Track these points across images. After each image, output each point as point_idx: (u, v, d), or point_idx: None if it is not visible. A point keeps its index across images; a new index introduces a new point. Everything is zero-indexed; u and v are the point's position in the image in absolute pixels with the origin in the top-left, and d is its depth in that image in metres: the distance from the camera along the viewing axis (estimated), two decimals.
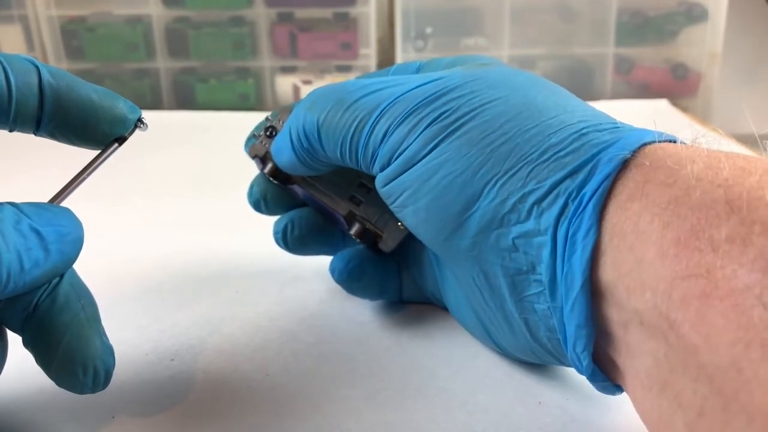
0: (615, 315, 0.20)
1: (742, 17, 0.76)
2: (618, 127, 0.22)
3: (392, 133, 0.24)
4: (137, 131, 0.26)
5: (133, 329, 0.31)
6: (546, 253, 0.21)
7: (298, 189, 0.31)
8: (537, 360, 0.26)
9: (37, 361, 0.23)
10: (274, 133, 0.30)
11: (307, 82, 0.70)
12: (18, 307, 0.22)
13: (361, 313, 0.32)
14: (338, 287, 0.32)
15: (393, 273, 0.31)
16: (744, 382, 0.16)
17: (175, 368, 0.28)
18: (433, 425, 0.25)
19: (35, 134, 0.24)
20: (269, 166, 0.30)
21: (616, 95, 0.71)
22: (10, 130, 0.24)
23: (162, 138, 0.49)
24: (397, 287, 0.31)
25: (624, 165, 0.20)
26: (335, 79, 0.70)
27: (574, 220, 0.20)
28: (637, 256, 0.19)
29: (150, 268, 0.36)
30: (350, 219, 0.30)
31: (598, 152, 0.21)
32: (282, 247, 0.32)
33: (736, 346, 0.16)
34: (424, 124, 0.24)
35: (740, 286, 0.16)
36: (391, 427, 0.25)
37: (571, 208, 0.21)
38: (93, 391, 0.22)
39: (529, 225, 0.22)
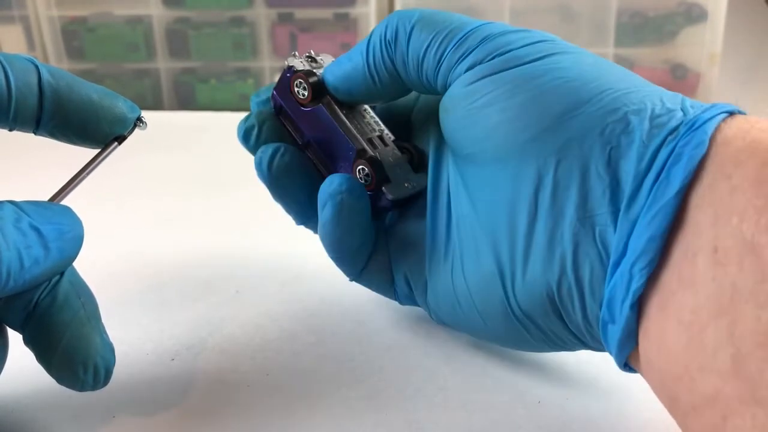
0: (686, 242, 0.20)
1: (741, 17, 0.76)
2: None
3: (499, 37, 0.25)
4: (137, 130, 0.26)
5: (133, 329, 0.31)
6: (642, 164, 0.21)
7: (318, 112, 0.30)
8: (544, 313, 0.24)
9: (37, 359, 0.23)
10: (314, 62, 0.30)
11: None
12: (18, 306, 0.22)
13: (361, 313, 0.32)
14: (338, 287, 0.32)
15: (371, 233, 0.29)
16: None
17: (175, 368, 0.28)
18: (433, 425, 0.25)
19: (35, 133, 0.24)
20: (311, 73, 0.30)
21: None
22: (10, 129, 0.24)
23: (162, 138, 0.49)
24: (369, 247, 0.29)
25: (730, 114, 0.21)
26: None
27: (684, 136, 0.21)
28: (733, 184, 0.19)
29: (150, 268, 0.36)
30: (362, 153, 0.29)
31: (707, 105, 0.22)
32: (262, 173, 0.29)
33: None
34: (536, 39, 0.24)
35: None
36: (391, 427, 0.25)
37: (683, 130, 0.21)
38: (94, 388, 0.23)
39: (634, 136, 0.22)
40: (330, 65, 0.29)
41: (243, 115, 0.32)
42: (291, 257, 0.34)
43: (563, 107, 0.23)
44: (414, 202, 0.29)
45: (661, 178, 0.21)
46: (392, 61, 0.27)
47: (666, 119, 0.22)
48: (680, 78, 0.72)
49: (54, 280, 0.23)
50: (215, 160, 0.53)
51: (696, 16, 0.70)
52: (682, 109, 0.22)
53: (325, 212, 0.27)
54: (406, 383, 0.27)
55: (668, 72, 0.72)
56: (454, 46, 0.25)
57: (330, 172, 0.30)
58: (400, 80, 0.28)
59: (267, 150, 0.29)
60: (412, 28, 0.26)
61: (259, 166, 0.29)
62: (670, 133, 0.21)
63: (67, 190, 0.24)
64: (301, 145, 0.31)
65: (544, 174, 0.23)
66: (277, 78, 0.32)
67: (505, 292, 0.25)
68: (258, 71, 0.70)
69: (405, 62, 0.27)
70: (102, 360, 0.22)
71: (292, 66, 0.30)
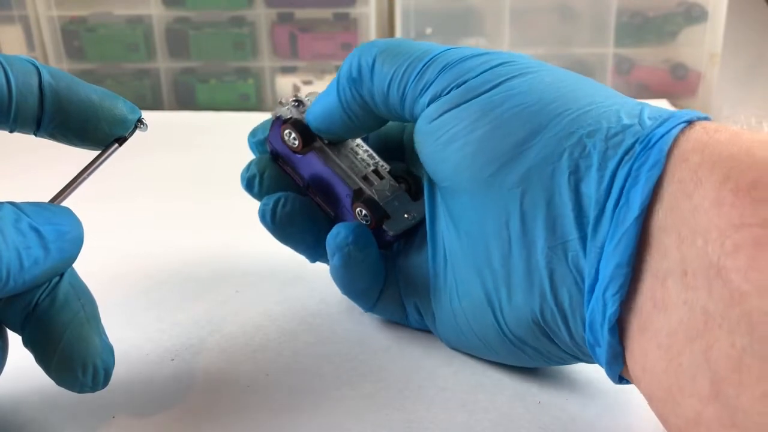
0: (656, 265, 0.20)
1: (742, 17, 0.76)
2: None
3: (457, 65, 0.24)
4: (137, 132, 0.26)
5: (133, 329, 0.31)
6: (602, 188, 0.21)
7: (311, 159, 0.30)
8: (534, 337, 0.24)
9: (36, 361, 0.23)
10: (300, 106, 0.30)
11: (307, 83, 0.70)
12: (18, 306, 0.22)
13: (361, 312, 0.32)
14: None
15: (380, 271, 0.29)
16: None
17: (175, 368, 0.28)
18: (433, 425, 0.25)
19: (35, 135, 0.24)
20: (292, 119, 0.30)
21: None
22: (11, 131, 0.24)
23: (162, 138, 0.49)
24: (380, 280, 0.30)
25: (689, 124, 0.21)
26: None
27: (640, 155, 0.21)
28: (694, 204, 0.19)
29: (150, 268, 0.36)
30: (359, 194, 0.29)
31: (666, 115, 0.22)
32: (266, 224, 0.30)
33: None
34: (494, 63, 0.24)
35: None
36: (391, 426, 0.25)
37: (638, 148, 0.21)
38: (93, 390, 0.23)
39: (592, 159, 0.22)
40: (311, 106, 0.30)
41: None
42: (291, 257, 0.34)
43: (521, 137, 0.23)
44: (418, 229, 0.30)
45: (621, 202, 0.21)
46: (362, 97, 0.27)
47: (621, 138, 0.21)
48: (680, 78, 0.72)
49: (54, 281, 0.23)
50: (215, 160, 0.53)
51: (696, 16, 0.70)
52: (639, 123, 0.22)
53: (334, 261, 0.28)
54: (406, 383, 0.27)
55: (668, 72, 0.72)
56: (414, 78, 0.25)
57: (333, 212, 0.31)
58: (374, 113, 0.28)
59: (268, 202, 0.30)
60: (374, 63, 0.26)
61: (262, 218, 0.30)
62: (627, 152, 0.21)
63: (68, 191, 0.24)
64: (303, 187, 0.31)
65: (512, 206, 0.23)
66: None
67: (496, 319, 0.25)
68: (258, 71, 0.70)
69: (372, 97, 0.27)
70: (101, 361, 0.22)
71: (280, 116, 0.30)
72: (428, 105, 0.25)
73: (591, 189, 0.21)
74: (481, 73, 0.24)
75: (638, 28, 0.71)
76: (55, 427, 0.25)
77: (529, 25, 0.71)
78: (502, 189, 0.23)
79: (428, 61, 0.25)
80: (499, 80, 0.24)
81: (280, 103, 0.31)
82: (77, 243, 0.23)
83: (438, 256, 0.28)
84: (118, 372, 0.27)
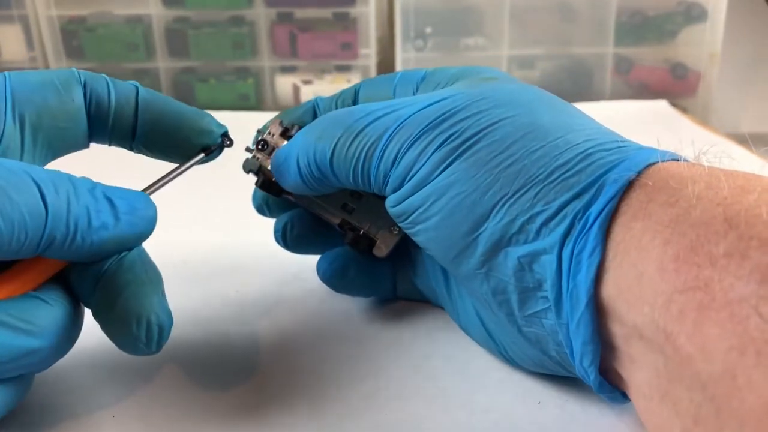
0: (618, 330, 0.20)
1: (741, 17, 0.76)
2: (623, 147, 0.23)
3: (402, 157, 0.25)
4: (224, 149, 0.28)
5: None
6: (552, 271, 0.22)
7: (291, 198, 0.31)
8: (546, 371, 0.26)
9: (98, 321, 0.23)
10: (265, 146, 0.30)
11: (307, 82, 0.70)
12: (90, 274, 0.23)
13: (361, 313, 0.32)
14: None
15: (384, 272, 0.31)
16: (736, 388, 0.16)
17: (175, 368, 0.28)
18: (433, 425, 0.25)
19: (131, 149, 0.27)
20: (260, 180, 0.30)
21: (616, 95, 0.71)
22: (109, 143, 0.27)
23: None
24: (390, 286, 0.32)
25: (628, 185, 0.21)
26: (335, 79, 0.70)
27: (579, 239, 0.21)
28: (639, 272, 0.19)
29: None
30: (344, 227, 0.30)
31: (604, 173, 0.22)
32: (282, 246, 0.32)
33: (730, 354, 0.16)
34: (434, 147, 0.24)
35: (737, 297, 0.16)
36: (391, 427, 0.25)
37: (577, 228, 0.21)
38: (147, 348, 0.23)
39: (537, 244, 0.22)
40: (275, 171, 0.29)
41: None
42: (291, 257, 0.34)
43: (469, 226, 0.23)
44: None
45: (570, 285, 0.21)
46: (331, 185, 0.27)
47: (558, 220, 0.22)
48: (680, 77, 0.72)
49: (123, 254, 0.24)
50: (214, 159, 0.53)
51: (696, 15, 0.70)
52: (578, 193, 0.21)
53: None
54: (406, 383, 0.27)
55: (668, 71, 0.72)
56: (374, 175, 0.26)
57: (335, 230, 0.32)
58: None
59: (278, 227, 0.32)
60: (331, 164, 0.26)
61: (276, 241, 0.32)
62: (567, 233, 0.21)
63: (151, 189, 0.26)
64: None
65: (481, 282, 0.24)
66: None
67: (505, 356, 0.27)
68: (257, 71, 0.70)
69: (340, 183, 0.27)
70: (155, 316, 0.23)
71: (250, 170, 0.31)
72: (390, 194, 0.26)
73: (544, 270, 0.22)
74: (428, 159, 0.24)
75: (638, 28, 0.71)
76: (56, 426, 0.25)
77: (529, 24, 0.71)
78: (469, 269, 0.24)
79: (380, 154, 0.25)
80: (443, 165, 0.24)
81: (247, 149, 0.31)
82: (149, 222, 0.24)
83: (451, 280, 0.29)
84: (118, 372, 0.27)
